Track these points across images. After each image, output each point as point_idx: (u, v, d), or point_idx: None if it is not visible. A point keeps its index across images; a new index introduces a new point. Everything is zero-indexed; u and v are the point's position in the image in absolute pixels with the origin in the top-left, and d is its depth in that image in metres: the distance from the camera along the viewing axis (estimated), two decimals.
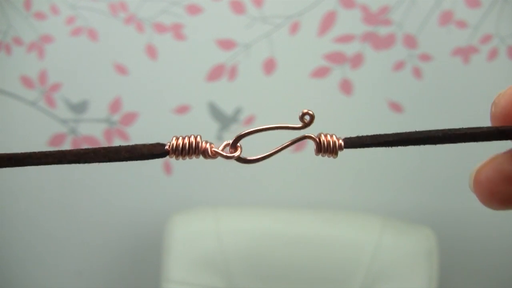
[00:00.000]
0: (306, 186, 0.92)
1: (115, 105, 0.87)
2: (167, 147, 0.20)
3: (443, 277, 0.81)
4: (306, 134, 0.20)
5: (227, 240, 0.79)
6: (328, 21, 0.84)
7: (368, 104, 0.87)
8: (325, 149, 0.20)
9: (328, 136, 0.20)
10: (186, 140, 0.20)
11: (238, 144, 0.21)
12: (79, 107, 0.88)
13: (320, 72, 0.86)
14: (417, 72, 0.85)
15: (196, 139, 0.20)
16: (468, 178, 0.20)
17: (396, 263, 0.78)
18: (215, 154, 0.20)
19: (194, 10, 0.84)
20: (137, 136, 0.89)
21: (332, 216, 0.85)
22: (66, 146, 0.89)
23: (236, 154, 0.20)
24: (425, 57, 0.85)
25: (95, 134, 0.88)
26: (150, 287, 0.95)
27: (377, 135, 0.19)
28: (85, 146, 0.89)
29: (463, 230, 0.93)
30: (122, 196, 0.92)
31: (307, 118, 0.20)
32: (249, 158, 0.21)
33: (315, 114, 0.20)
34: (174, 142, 0.20)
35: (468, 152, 0.89)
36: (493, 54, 0.84)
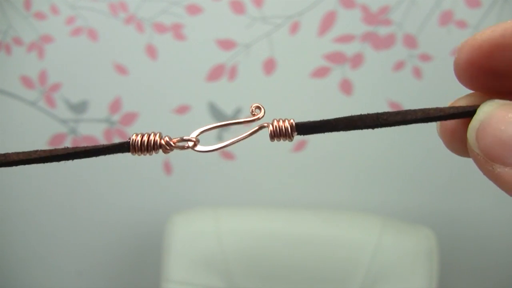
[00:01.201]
0: (306, 186, 0.92)
1: (115, 105, 0.87)
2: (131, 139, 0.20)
3: (443, 277, 0.81)
4: (260, 124, 0.21)
5: (227, 240, 0.79)
6: (328, 21, 0.84)
7: (368, 104, 0.87)
8: (279, 133, 0.20)
9: (281, 121, 0.20)
10: (145, 138, 0.21)
11: (194, 138, 0.21)
12: (79, 107, 0.88)
13: (320, 72, 0.86)
14: (417, 72, 0.85)
15: (154, 137, 0.21)
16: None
17: (396, 263, 0.78)
18: (171, 147, 0.21)
19: (194, 10, 0.84)
20: None
21: (332, 216, 0.85)
22: (66, 146, 0.89)
23: (190, 144, 0.21)
24: (425, 57, 0.85)
25: (95, 134, 0.88)
26: (150, 287, 0.95)
27: (328, 119, 0.20)
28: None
29: (463, 230, 0.93)
30: (122, 196, 0.92)
31: (257, 111, 0.21)
32: (203, 149, 0.21)
33: (268, 109, 0.21)
34: (134, 138, 0.21)
35: None
36: None
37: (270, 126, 0.21)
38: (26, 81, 0.86)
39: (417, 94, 0.86)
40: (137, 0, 0.83)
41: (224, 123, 0.21)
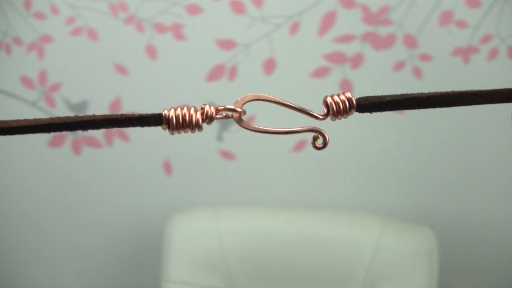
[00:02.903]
0: (306, 186, 0.92)
1: (115, 105, 0.87)
2: (165, 112, 0.18)
3: (443, 277, 0.81)
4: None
5: (227, 240, 0.79)
6: (328, 21, 0.84)
7: None
8: (336, 111, 0.18)
9: (336, 97, 0.18)
10: (179, 112, 0.18)
11: (241, 108, 0.19)
12: (79, 107, 0.88)
13: (320, 72, 0.86)
14: (417, 72, 0.85)
15: (189, 112, 0.18)
16: None
17: (396, 263, 0.78)
18: (212, 120, 0.18)
19: (194, 10, 0.84)
20: (137, 136, 0.89)
21: (332, 216, 0.85)
22: (66, 146, 0.89)
23: (235, 116, 0.18)
24: (425, 57, 0.85)
25: (95, 134, 0.88)
26: (150, 287, 0.95)
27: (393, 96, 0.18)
28: (85, 146, 0.89)
29: (463, 230, 0.93)
30: (122, 196, 0.92)
31: (319, 141, 0.20)
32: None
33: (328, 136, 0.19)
34: (169, 113, 0.18)
35: (468, 152, 0.89)
36: (493, 54, 0.84)
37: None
38: (26, 81, 0.86)
39: None
40: (137, 0, 0.83)
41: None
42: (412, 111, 0.90)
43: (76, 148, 0.89)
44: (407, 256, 0.79)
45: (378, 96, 0.18)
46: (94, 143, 0.89)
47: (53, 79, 0.86)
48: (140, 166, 0.91)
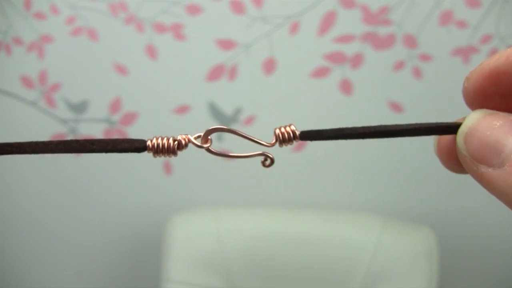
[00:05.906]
0: (306, 186, 0.92)
1: (115, 105, 0.87)
2: (148, 142, 0.22)
3: (443, 277, 0.81)
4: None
5: (227, 240, 0.79)
6: (328, 21, 0.84)
7: (368, 104, 0.87)
8: (282, 139, 0.23)
9: (282, 128, 0.23)
10: (161, 141, 0.23)
11: (209, 137, 0.23)
12: (79, 107, 0.88)
13: (320, 72, 0.86)
14: (417, 72, 0.85)
15: (168, 141, 0.22)
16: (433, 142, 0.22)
17: (396, 263, 0.78)
18: (187, 143, 0.23)
19: (194, 10, 0.84)
20: (137, 136, 0.88)
21: (332, 216, 0.85)
22: None
23: (206, 145, 0.23)
24: (425, 57, 0.85)
25: (95, 134, 0.89)
26: (150, 287, 0.95)
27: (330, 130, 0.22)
28: None
29: (463, 230, 0.93)
30: (122, 196, 0.92)
31: (267, 162, 0.24)
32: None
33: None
34: (154, 141, 0.23)
35: None
36: (493, 54, 0.84)
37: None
38: (26, 81, 0.86)
39: (417, 94, 0.86)
40: (137, 0, 0.83)
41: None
42: (412, 110, 0.90)
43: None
44: (407, 256, 0.79)
45: (317, 131, 0.23)
46: None
47: (53, 79, 0.86)
48: (140, 166, 0.91)
